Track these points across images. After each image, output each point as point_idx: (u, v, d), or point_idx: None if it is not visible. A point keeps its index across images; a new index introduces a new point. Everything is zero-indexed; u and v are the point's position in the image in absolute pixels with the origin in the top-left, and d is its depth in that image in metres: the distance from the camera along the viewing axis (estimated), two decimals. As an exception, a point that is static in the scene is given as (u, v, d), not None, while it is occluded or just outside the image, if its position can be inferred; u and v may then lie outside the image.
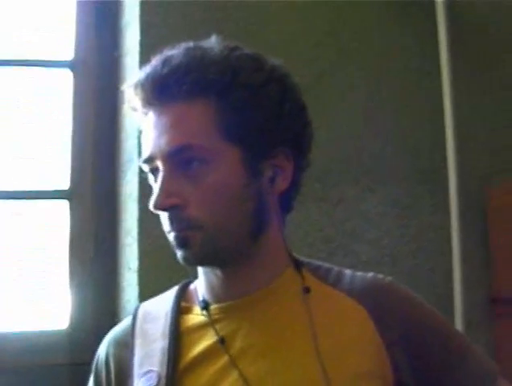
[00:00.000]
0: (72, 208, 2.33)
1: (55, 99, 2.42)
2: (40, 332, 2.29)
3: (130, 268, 2.20)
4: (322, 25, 2.38)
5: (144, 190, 2.13)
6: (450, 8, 2.42)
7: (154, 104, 1.25)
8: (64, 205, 2.34)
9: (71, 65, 2.39)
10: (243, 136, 1.24)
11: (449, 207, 2.37)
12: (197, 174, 1.23)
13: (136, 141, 2.17)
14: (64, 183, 2.35)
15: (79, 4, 2.40)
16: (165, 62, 1.24)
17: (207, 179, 1.23)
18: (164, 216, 1.26)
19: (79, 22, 2.40)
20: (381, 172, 2.38)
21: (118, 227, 2.30)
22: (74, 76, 2.38)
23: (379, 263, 2.28)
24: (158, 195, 1.23)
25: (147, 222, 2.12)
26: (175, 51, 1.27)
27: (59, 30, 2.44)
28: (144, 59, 2.13)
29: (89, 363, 2.15)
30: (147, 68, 1.27)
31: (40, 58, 2.42)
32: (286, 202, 1.35)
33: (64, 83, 2.40)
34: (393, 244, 2.36)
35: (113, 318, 2.25)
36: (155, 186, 1.26)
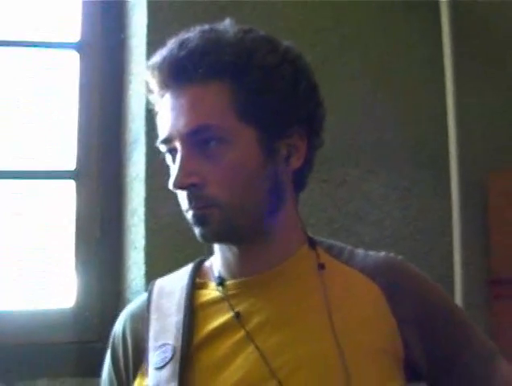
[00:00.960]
0: (78, 188, 2.35)
1: (62, 80, 2.43)
2: (46, 311, 2.30)
3: (135, 248, 2.22)
4: (325, 11, 2.40)
5: (151, 170, 2.17)
6: (454, 5, 2.44)
7: (171, 86, 1.28)
8: (70, 185, 2.35)
9: (77, 47, 2.40)
10: (259, 117, 1.27)
11: (450, 190, 2.40)
12: (215, 154, 1.26)
13: (143, 122, 2.20)
14: (71, 164, 2.36)
15: (85, -14, 2.41)
16: (181, 45, 1.27)
17: (225, 159, 1.26)
18: (182, 195, 1.29)
19: (85, 3, 2.40)
20: (383, 155, 2.41)
21: (124, 208, 2.32)
22: (80, 58, 2.39)
23: (380, 244, 2.30)
24: (178, 175, 1.26)
25: (154, 202, 2.15)
26: (191, 34, 1.29)
27: (65, 11, 2.45)
28: (151, 42, 2.19)
29: (94, 342, 2.21)
30: (164, 51, 1.29)
31: (47, 39, 2.43)
32: (300, 180, 1.38)
33: (70, 64, 2.41)
34: (394, 226, 2.39)
35: (118, 297, 2.28)
36: (173, 166, 1.29)
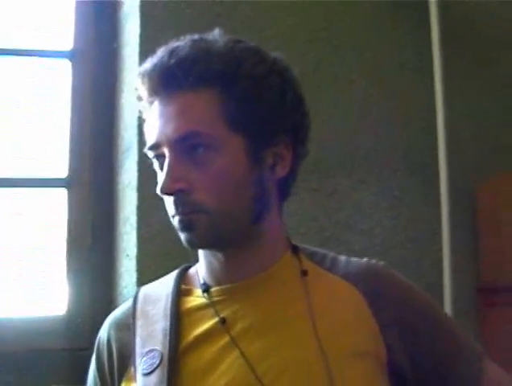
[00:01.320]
0: (70, 196, 2.36)
1: (54, 88, 2.44)
2: (38, 318, 2.31)
3: (127, 256, 2.23)
4: (317, 20, 2.42)
5: (143, 178, 2.18)
6: (443, 6, 2.45)
7: (161, 93, 1.29)
8: (62, 193, 2.36)
9: (70, 55, 2.41)
10: (246, 126, 1.29)
11: (439, 199, 2.41)
12: (203, 161, 1.27)
13: (135, 131, 2.20)
14: (63, 172, 2.37)
15: (78, -6, 2.42)
16: (172, 53, 1.28)
17: (212, 165, 1.27)
18: (170, 200, 1.30)
19: (78, 12, 2.42)
20: (373, 164, 2.43)
21: (116, 215, 2.33)
22: (73, 66, 2.40)
23: (371, 252, 2.30)
24: (165, 180, 1.27)
25: (146, 210, 2.16)
26: (181, 43, 1.30)
27: (58, 20, 2.46)
28: (143, 51, 2.20)
29: (86, 349, 2.21)
30: (154, 59, 1.30)
31: (39, 48, 2.44)
32: (284, 188, 1.39)
33: (62, 73, 2.42)
34: (384, 235, 2.40)
35: (110, 305, 2.28)
36: (161, 172, 1.30)
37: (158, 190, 1.28)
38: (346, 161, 2.39)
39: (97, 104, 2.37)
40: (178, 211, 1.29)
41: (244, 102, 1.28)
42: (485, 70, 2.59)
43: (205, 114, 1.27)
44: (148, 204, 2.15)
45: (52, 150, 2.42)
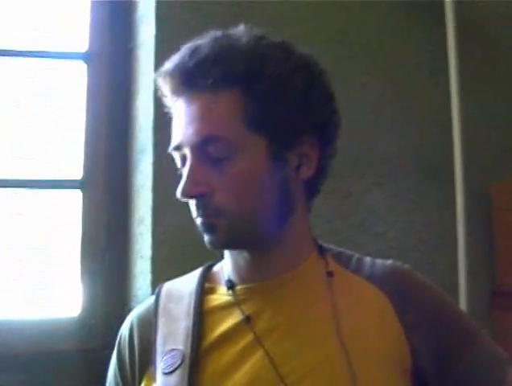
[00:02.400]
0: (84, 197, 2.36)
1: (69, 90, 2.44)
2: (52, 319, 2.32)
3: (141, 257, 2.23)
4: (333, 22, 2.42)
5: (158, 179, 2.18)
6: (458, 7, 2.45)
7: (182, 93, 1.28)
8: (77, 195, 2.37)
9: (85, 57, 2.42)
10: (269, 127, 1.27)
11: (454, 202, 2.40)
12: (223, 164, 1.26)
13: (150, 132, 2.20)
14: (77, 173, 2.38)
15: (94, -4, 2.43)
16: (192, 53, 1.27)
17: (232, 169, 1.26)
18: (192, 203, 1.29)
19: (93, 14, 2.43)
20: (388, 167, 2.42)
21: (131, 217, 2.34)
22: (88, 68, 2.41)
23: (385, 255, 2.27)
24: (186, 183, 1.26)
25: (161, 211, 2.16)
26: (204, 41, 1.29)
27: (73, 21, 2.47)
28: (159, 52, 2.20)
29: (100, 350, 2.22)
30: (176, 58, 1.29)
31: (55, 49, 2.44)
32: (313, 188, 1.38)
33: (78, 74, 2.43)
34: (399, 237, 2.40)
35: (124, 306, 2.29)
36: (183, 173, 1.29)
37: (178, 194, 1.28)
38: (361, 163, 2.39)
39: (112, 106, 2.37)
40: (199, 214, 1.29)
41: (266, 103, 1.26)
42: (500, 71, 2.59)
43: (225, 117, 1.26)
44: (163, 205, 2.16)
45: (67, 152, 2.42)
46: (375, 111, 2.43)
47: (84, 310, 2.32)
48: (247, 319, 1.30)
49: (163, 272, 2.15)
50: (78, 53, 2.44)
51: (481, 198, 2.46)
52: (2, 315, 2.30)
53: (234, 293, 1.35)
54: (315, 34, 2.38)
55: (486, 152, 2.52)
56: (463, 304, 2.32)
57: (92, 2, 2.43)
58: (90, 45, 2.42)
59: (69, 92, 2.45)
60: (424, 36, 2.51)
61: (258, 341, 1.28)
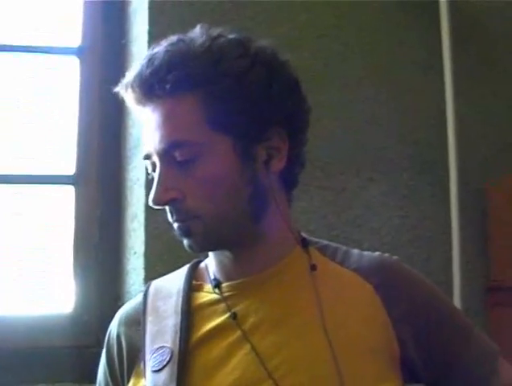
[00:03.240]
0: (77, 194, 2.35)
1: (62, 85, 2.43)
2: (45, 315, 2.31)
3: (135, 253, 2.22)
4: (327, 17, 2.41)
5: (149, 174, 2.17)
6: (453, 5, 2.44)
7: (145, 102, 1.29)
8: (69, 190, 2.36)
9: (78, 52, 2.41)
10: (232, 125, 1.27)
11: (448, 197, 2.40)
12: (190, 168, 1.26)
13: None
14: (70, 169, 2.37)
15: (86, -9, 2.42)
16: (149, 62, 1.27)
17: (200, 172, 1.26)
18: (166, 208, 1.30)
19: (86, 8, 2.41)
20: (383, 163, 2.41)
21: (124, 213, 2.33)
22: (81, 63, 2.40)
23: (379, 251, 2.27)
24: (156, 191, 1.27)
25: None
26: (159, 49, 1.29)
27: (66, 16, 2.46)
28: (152, 47, 2.18)
29: (93, 346, 2.21)
30: (135, 68, 1.30)
31: (47, 44, 2.43)
32: (289, 179, 1.37)
33: (70, 69, 2.41)
34: (393, 233, 2.39)
35: (117, 302, 2.28)
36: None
37: (149, 202, 1.28)
38: (355, 159, 2.38)
39: (105, 101, 2.35)
40: (174, 219, 1.30)
41: (226, 102, 1.26)
42: (494, 69, 2.58)
43: (187, 120, 1.26)
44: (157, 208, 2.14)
45: (60, 147, 2.41)
46: (370, 107, 2.42)
47: (78, 306, 2.31)
48: (234, 316, 1.30)
49: (156, 268, 2.14)
50: (71, 48, 2.43)
51: (475, 193, 2.47)
52: (-5, 312, 2.29)
53: (220, 291, 1.35)
54: (309, 30, 2.37)
55: (481, 147, 2.52)
56: (457, 300, 2.32)
57: (85, -3, 2.42)
58: (83, 40, 2.41)
59: (62, 87, 2.43)
60: (419, 32, 2.50)
61: (245, 337, 1.28)
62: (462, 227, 2.38)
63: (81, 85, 2.39)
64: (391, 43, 2.48)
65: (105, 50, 2.40)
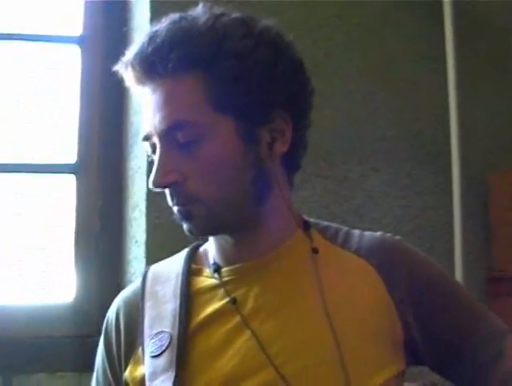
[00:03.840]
0: (78, 182, 2.35)
1: (63, 74, 2.43)
2: (46, 305, 2.31)
3: (136, 242, 2.22)
4: (330, 7, 2.40)
5: (152, 163, 2.16)
6: (456, 2, 2.44)
7: (146, 81, 1.26)
8: (70, 179, 2.35)
9: (79, 40, 2.40)
10: (235, 106, 1.24)
11: (450, 188, 2.40)
12: (193, 149, 1.23)
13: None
14: (71, 157, 2.36)
15: (88, -20, 2.41)
16: (150, 40, 1.24)
17: (202, 153, 1.23)
18: (167, 191, 1.27)
19: (87, -3, 2.40)
20: (385, 152, 2.41)
21: (125, 202, 2.32)
22: (82, 52, 2.39)
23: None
24: (156, 173, 1.24)
25: (155, 196, 2.12)
26: (161, 26, 1.26)
27: (67, 5, 2.45)
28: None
29: (94, 336, 2.18)
30: (135, 46, 1.27)
31: (48, 33, 2.43)
32: (292, 163, 1.35)
33: (71, 58, 2.41)
34: (395, 223, 2.39)
35: (118, 292, 2.24)
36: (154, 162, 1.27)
37: (150, 185, 1.26)
38: (358, 148, 2.38)
39: (106, 90, 2.34)
40: (174, 203, 1.27)
41: (229, 82, 1.23)
42: (498, 62, 2.58)
43: (189, 100, 1.23)
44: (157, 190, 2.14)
45: (61, 136, 2.41)
46: (372, 97, 2.42)
47: (79, 295, 2.31)
48: (233, 301, 1.29)
49: (157, 257, 2.09)
50: (72, 37, 2.42)
51: (477, 184, 2.46)
52: (-4, 301, 2.29)
53: (220, 276, 1.33)
54: (311, 17, 2.37)
55: (484, 138, 2.52)
56: (459, 290, 2.32)
57: (87, -14, 2.41)
58: (84, 28, 2.40)
59: (63, 76, 2.43)
60: (422, 24, 2.50)
61: (244, 322, 1.27)
62: (464, 218, 2.37)
63: (83, 74, 2.39)
64: (394, 34, 2.47)
65: (106, 39, 2.39)
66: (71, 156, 2.36)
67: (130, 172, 2.30)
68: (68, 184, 2.36)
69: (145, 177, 2.17)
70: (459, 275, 2.33)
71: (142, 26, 2.26)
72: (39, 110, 2.41)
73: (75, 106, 2.38)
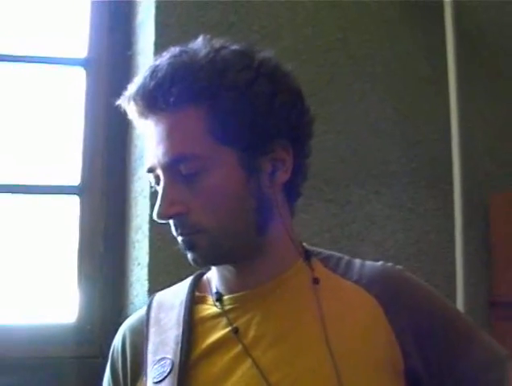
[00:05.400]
0: (82, 204, 2.36)
1: (68, 96, 2.45)
2: (48, 325, 2.31)
3: (139, 264, 2.22)
4: (332, 31, 2.42)
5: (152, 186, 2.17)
6: (458, 17, 2.45)
7: (149, 115, 1.27)
8: (74, 200, 2.36)
9: (84, 63, 2.42)
10: (236, 137, 1.26)
11: (452, 211, 2.40)
12: (196, 181, 1.25)
13: (148, 139, 2.20)
14: (75, 179, 2.38)
15: (93, 3, 2.43)
16: (152, 74, 1.26)
17: (205, 185, 1.25)
18: (171, 222, 1.29)
19: (93, 20, 2.43)
20: (387, 176, 2.42)
21: (128, 223, 2.33)
22: (87, 74, 2.41)
23: (383, 265, 2.30)
24: (161, 205, 1.26)
25: (158, 219, 2.16)
26: (162, 60, 1.28)
27: (73, 28, 2.48)
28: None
29: (96, 357, 2.21)
30: (138, 80, 1.28)
31: (54, 55, 2.44)
32: (292, 190, 1.36)
33: (76, 80, 2.43)
34: (397, 247, 2.39)
35: (120, 313, 2.29)
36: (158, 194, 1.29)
37: (154, 216, 1.27)
38: (360, 172, 2.38)
39: (111, 112, 2.34)
40: (178, 233, 1.28)
41: (230, 114, 1.25)
42: (500, 82, 2.58)
43: (191, 134, 1.25)
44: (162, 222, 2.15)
45: (65, 158, 2.42)
46: (374, 120, 2.43)
47: (81, 316, 2.31)
48: (235, 331, 1.30)
49: (159, 279, 2.14)
50: (77, 59, 2.44)
51: (479, 208, 2.46)
52: (-1, 321, 2.30)
53: (222, 304, 1.34)
54: (314, 43, 2.38)
55: (485, 162, 2.52)
56: (461, 314, 2.32)
57: (92, 8, 2.43)
58: (89, 51, 2.43)
59: (68, 98, 2.45)
60: (424, 46, 2.51)
61: (246, 351, 1.28)
62: (466, 242, 2.37)
63: (87, 96, 2.41)
64: (396, 57, 2.48)
65: (111, 61, 2.41)
66: (75, 178, 2.38)
67: (134, 194, 2.31)
68: (71, 206, 2.37)
69: (148, 200, 2.19)
70: (460, 299, 2.33)
71: (147, 50, 2.28)
72: (44, 132, 2.42)
73: (79, 128, 2.39)
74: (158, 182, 1.29)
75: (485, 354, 1.35)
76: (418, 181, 2.45)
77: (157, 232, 2.16)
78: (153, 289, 2.11)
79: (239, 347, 1.29)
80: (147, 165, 1.30)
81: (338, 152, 2.35)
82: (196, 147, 1.24)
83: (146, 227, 2.19)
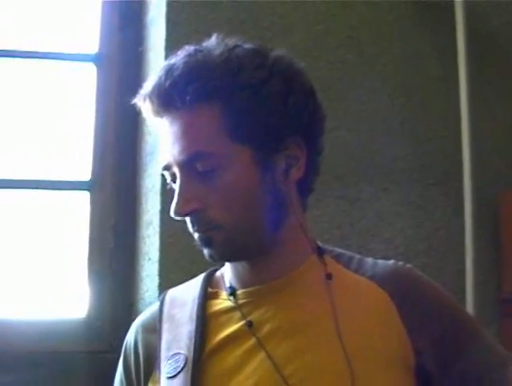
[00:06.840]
0: (92, 199, 2.37)
1: (79, 92, 2.45)
2: (58, 320, 2.33)
3: (149, 259, 2.23)
4: (343, 29, 2.42)
5: (166, 182, 2.17)
6: (469, 18, 2.45)
7: (164, 113, 1.29)
8: (85, 196, 2.37)
9: (95, 59, 2.43)
10: (251, 135, 1.28)
11: (462, 208, 2.40)
12: (211, 178, 1.27)
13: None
14: (86, 175, 2.39)
15: (105, -2, 2.44)
16: (167, 73, 1.28)
17: (221, 182, 1.27)
18: (187, 219, 1.31)
19: (104, 16, 2.43)
20: (397, 173, 2.42)
21: (139, 219, 2.34)
22: (98, 70, 2.42)
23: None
24: (178, 202, 1.28)
25: (169, 214, 2.15)
26: (177, 59, 1.30)
27: (84, 24, 2.48)
28: (168, 55, 2.13)
29: (106, 352, 2.22)
30: (153, 79, 1.31)
31: (65, 51, 2.45)
32: (305, 187, 1.38)
33: (87, 76, 2.43)
34: (407, 243, 2.39)
35: (130, 309, 2.30)
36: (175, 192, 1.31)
37: (171, 213, 1.29)
38: (370, 169, 2.39)
39: (121, 108, 2.36)
40: (195, 229, 1.30)
41: (245, 112, 1.27)
42: (510, 81, 2.58)
43: (206, 132, 1.27)
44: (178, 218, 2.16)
45: (76, 153, 2.43)
46: (384, 117, 2.43)
47: (91, 311, 2.32)
48: (249, 324, 1.31)
49: (170, 274, 2.15)
50: (88, 55, 2.45)
51: (489, 204, 2.46)
52: (10, 316, 2.30)
53: (236, 299, 1.36)
54: (325, 40, 2.39)
55: (495, 160, 2.51)
56: (470, 310, 2.31)
57: (103, 4, 2.44)
58: (100, 47, 2.43)
59: (79, 94, 2.45)
60: (435, 44, 2.51)
61: (260, 344, 1.29)
62: (475, 238, 2.37)
63: (98, 92, 2.41)
64: (407, 55, 2.48)
65: (122, 57, 2.42)
66: (85, 173, 2.38)
67: (144, 190, 2.32)
68: (82, 201, 2.38)
69: (159, 195, 2.19)
70: (470, 296, 2.33)
71: (158, 46, 2.28)
72: (54, 127, 2.43)
73: (90, 123, 2.40)
74: (174, 180, 1.32)
75: (488, 354, 1.38)
76: (427, 178, 2.45)
77: (168, 227, 2.16)
78: (163, 284, 2.12)
79: (253, 340, 1.30)
80: (163, 163, 1.32)
81: (348, 149, 2.35)
82: (212, 145, 1.26)
83: (156, 222, 2.20)
